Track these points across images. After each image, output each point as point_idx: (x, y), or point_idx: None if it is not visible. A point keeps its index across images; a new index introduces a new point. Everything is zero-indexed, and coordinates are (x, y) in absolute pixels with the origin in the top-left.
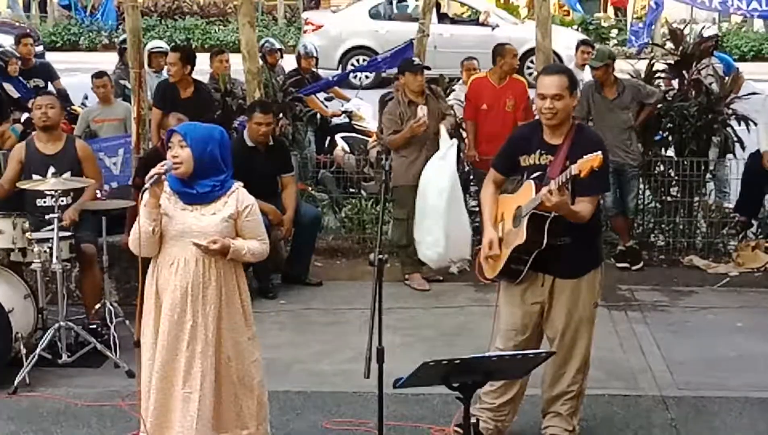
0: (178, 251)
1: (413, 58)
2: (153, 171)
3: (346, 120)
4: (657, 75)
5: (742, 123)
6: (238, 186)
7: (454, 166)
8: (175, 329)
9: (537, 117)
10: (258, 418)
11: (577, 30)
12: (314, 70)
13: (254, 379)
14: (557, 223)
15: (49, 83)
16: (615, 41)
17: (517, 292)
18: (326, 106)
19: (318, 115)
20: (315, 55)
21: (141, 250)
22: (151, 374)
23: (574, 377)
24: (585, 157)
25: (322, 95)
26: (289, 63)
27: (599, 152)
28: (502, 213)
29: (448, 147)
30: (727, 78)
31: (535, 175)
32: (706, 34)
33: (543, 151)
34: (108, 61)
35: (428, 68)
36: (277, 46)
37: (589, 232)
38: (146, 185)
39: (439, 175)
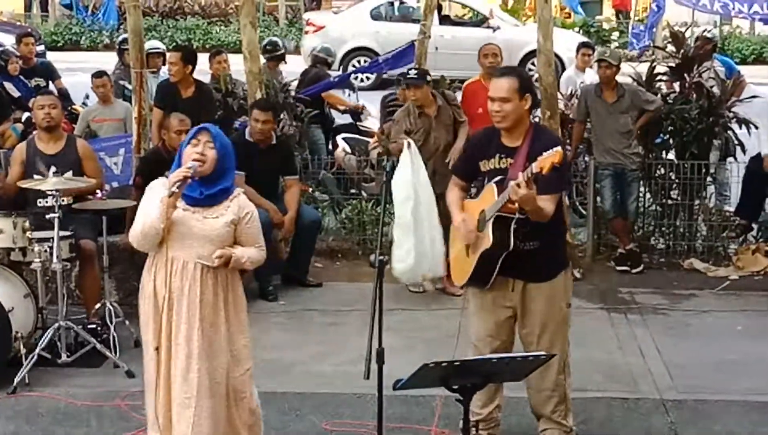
0: (178, 252)
1: (409, 70)
2: (180, 173)
3: (350, 120)
4: (658, 78)
5: (743, 126)
6: (239, 191)
7: (410, 176)
8: (172, 331)
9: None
10: (251, 430)
11: (578, 32)
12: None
13: (247, 388)
14: (524, 226)
15: (50, 82)
16: (616, 44)
17: (489, 298)
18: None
19: (319, 116)
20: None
21: (145, 244)
22: (155, 373)
23: (556, 380)
24: (544, 154)
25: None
26: (292, 64)
27: (558, 148)
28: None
29: (405, 156)
30: (728, 81)
31: (496, 179)
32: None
33: (502, 155)
34: (109, 60)
35: (423, 78)
36: (281, 52)
37: (557, 234)
38: (173, 189)
39: (397, 186)
